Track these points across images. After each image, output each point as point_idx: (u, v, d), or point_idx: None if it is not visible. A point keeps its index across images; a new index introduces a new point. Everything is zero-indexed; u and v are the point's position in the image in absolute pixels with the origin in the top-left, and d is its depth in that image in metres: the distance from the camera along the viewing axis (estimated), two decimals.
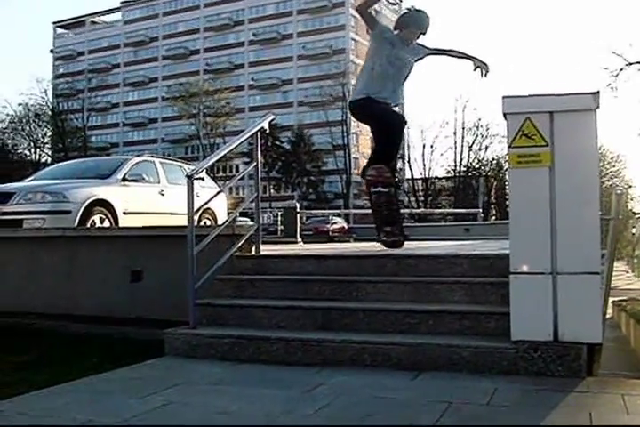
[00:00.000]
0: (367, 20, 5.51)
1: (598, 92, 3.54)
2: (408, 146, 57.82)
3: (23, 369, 4.01)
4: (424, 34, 5.58)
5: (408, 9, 5.75)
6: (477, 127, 57.20)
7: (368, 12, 5.50)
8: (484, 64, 5.61)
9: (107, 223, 8.18)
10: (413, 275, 4.57)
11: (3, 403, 3.16)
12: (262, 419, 2.82)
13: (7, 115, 66.21)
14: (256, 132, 5.26)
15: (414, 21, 5.55)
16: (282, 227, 18.78)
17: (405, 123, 5.82)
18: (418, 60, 5.70)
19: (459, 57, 5.77)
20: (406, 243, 5.81)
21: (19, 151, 66.97)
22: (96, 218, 8.05)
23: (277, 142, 62.58)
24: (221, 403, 3.03)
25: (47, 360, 4.30)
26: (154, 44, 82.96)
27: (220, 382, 3.53)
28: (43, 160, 64.98)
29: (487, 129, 56.63)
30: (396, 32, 5.58)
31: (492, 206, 58.32)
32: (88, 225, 7.82)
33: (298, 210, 15.02)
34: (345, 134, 61.38)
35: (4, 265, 6.20)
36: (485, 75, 5.59)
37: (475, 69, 5.61)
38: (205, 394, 3.25)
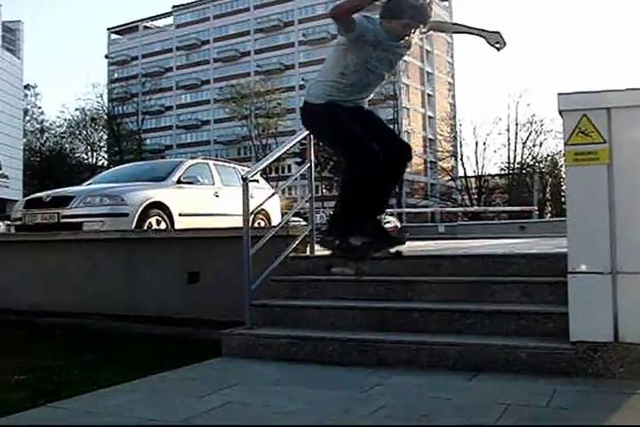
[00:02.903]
0: (345, 25, 3.76)
1: None
2: (460, 144, 57.31)
3: (86, 368, 4.11)
4: (423, 26, 3.84)
5: None
6: (531, 123, 56.22)
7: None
8: (496, 35, 4.04)
9: (163, 225, 8.32)
10: (469, 275, 4.54)
11: (69, 401, 3.26)
12: (320, 419, 2.84)
13: (65, 119, 68.03)
14: (309, 134, 5.28)
15: (406, 9, 3.74)
16: None
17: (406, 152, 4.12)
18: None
19: (460, 32, 4.36)
20: (461, 242, 5.74)
21: (76, 155, 68.69)
22: (153, 220, 8.20)
23: None
24: (279, 403, 3.06)
25: (108, 360, 4.40)
26: (205, 47, 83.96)
27: (278, 382, 3.56)
28: (99, 163, 66.47)
29: (541, 125, 55.64)
30: (379, 20, 3.87)
31: (548, 203, 57.33)
32: (145, 227, 7.97)
33: None
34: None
35: (66, 267, 6.37)
36: (502, 47, 4.05)
37: (492, 45, 4.04)
38: (263, 394, 3.29)
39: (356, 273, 3.52)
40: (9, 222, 10.46)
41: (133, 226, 7.82)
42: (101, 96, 69.17)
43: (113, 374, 3.85)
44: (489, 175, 59.24)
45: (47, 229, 7.46)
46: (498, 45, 4.06)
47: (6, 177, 40.54)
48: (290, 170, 60.59)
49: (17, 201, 11.02)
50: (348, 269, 3.53)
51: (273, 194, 7.42)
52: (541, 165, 57.71)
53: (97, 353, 4.64)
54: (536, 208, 21.97)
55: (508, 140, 57.18)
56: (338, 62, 3.91)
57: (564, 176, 45.36)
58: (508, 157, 57.58)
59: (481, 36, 4.11)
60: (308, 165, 5.42)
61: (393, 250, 3.97)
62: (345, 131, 3.83)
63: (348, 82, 3.89)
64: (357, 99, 4.00)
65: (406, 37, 3.86)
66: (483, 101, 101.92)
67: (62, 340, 5.22)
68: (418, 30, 3.82)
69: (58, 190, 9.11)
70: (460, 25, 4.43)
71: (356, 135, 3.79)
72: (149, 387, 3.60)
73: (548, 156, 57.49)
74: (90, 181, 9.97)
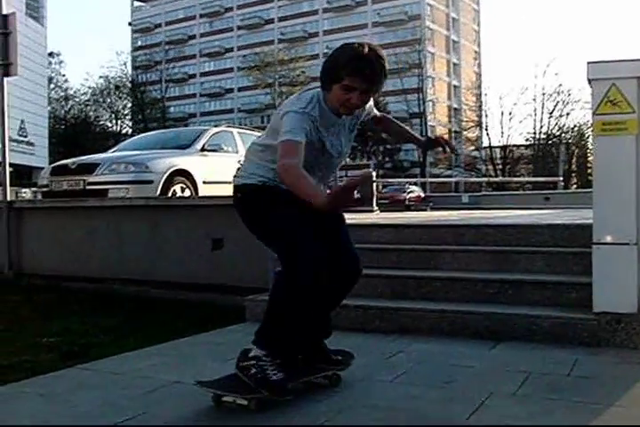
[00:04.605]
0: None
1: None
2: (486, 114, 56.69)
3: (112, 332, 4.19)
4: (374, 91, 2.69)
5: (341, 48, 2.72)
6: (558, 93, 55.28)
7: None
8: (427, 140, 3.25)
9: (187, 193, 8.37)
10: (492, 244, 4.54)
11: (97, 363, 3.34)
12: (344, 384, 2.89)
13: (89, 87, 68.04)
14: None
15: (348, 71, 2.60)
16: (358, 195, 18.75)
17: None
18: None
19: (404, 137, 3.35)
20: (485, 212, 5.70)
21: (101, 123, 68.80)
22: (177, 188, 8.26)
23: None
24: None
25: (134, 324, 4.48)
26: (228, 15, 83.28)
27: None
28: (123, 131, 66.61)
29: (569, 95, 54.70)
30: (322, 95, 2.75)
31: (573, 175, 56.71)
32: (169, 194, 8.03)
33: (374, 179, 14.98)
34: (421, 102, 60.53)
35: (92, 233, 6.45)
36: (450, 150, 3.18)
37: (428, 149, 3.30)
38: None
39: (249, 404, 2.54)
40: (35, 189, 10.59)
41: (158, 193, 7.88)
42: (125, 64, 69.10)
43: (139, 338, 3.93)
44: (514, 146, 58.57)
45: (73, 196, 7.55)
46: (428, 149, 3.26)
47: (32, 144, 40.82)
48: None
49: (43, 168, 11.13)
50: (240, 399, 2.56)
51: None
52: (568, 136, 56.92)
53: (123, 318, 4.73)
54: (561, 179, 21.75)
55: (535, 110, 56.46)
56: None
57: (590, 147, 44.81)
58: (534, 128, 56.88)
59: (417, 142, 3.26)
60: None
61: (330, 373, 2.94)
62: (290, 225, 2.71)
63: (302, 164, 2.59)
64: (320, 177, 2.89)
65: (355, 108, 2.72)
66: (509, 71, 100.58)
67: (89, 304, 5.31)
68: (365, 94, 2.65)
69: (83, 158, 9.18)
70: (402, 128, 3.30)
71: (306, 237, 2.68)
72: (175, 351, 3.67)
73: (574, 126, 56.70)
74: (114, 149, 10.03)
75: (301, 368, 2.85)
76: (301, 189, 2.43)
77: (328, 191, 2.44)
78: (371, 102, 2.92)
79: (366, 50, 2.60)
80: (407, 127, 3.31)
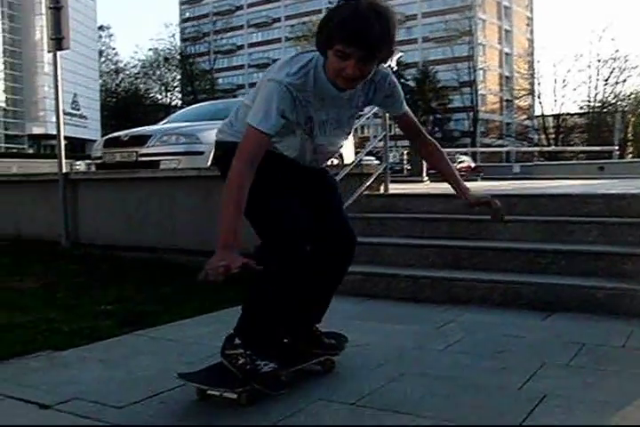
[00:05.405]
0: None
1: None
2: (538, 82, 55.49)
3: (167, 300, 4.28)
4: (377, 60, 2.17)
5: (339, 5, 2.18)
6: (614, 59, 53.78)
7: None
8: (483, 203, 2.66)
9: None
10: (545, 214, 4.49)
11: (152, 330, 3.43)
12: (396, 353, 2.91)
13: (139, 60, 68.98)
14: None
15: (341, 35, 2.10)
16: (408, 166, 18.62)
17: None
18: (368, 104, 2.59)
19: (450, 183, 2.85)
20: (537, 182, 5.62)
21: (151, 95, 69.63)
22: None
23: (402, 80, 61.50)
24: (356, 337, 3.09)
25: (189, 293, 4.55)
26: None
27: (353, 316, 3.64)
28: (173, 103, 67.27)
29: (626, 61, 53.22)
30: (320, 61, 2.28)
31: (629, 144, 55.32)
32: None
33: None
34: (471, 70, 59.50)
35: (145, 204, 6.55)
36: (500, 219, 2.71)
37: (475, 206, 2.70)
38: (338, 328, 3.35)
39: (239, 398, 2.28)
40: (89, 161, 10.79)
41: (209, 164, 7.95)
42: (174, 36, 69.63)
43: (194, 306, 4.00)
44: (567, 114, 57.33)
45: (126, 168, 7.66)
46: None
47: (85, 117, 41.53)
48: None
49: (95, 141, 11.32)
50: (229, 393, 2.30)
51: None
52: (624, 104, 55.43)
53: (176, 286, 4.80)
54: (617, 148, 21.23)
55: (589, 77, 55.12)
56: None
57: None
58: (589, 95, 55.59)
59: (464, 196, 2.72)
60: None
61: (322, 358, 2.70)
62: (273, 197, 2.38)
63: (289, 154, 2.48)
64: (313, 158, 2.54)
65: (353, 80, 2.20)
66: (563, 37, 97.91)
67: (142, 273, 5.41)
68: (363, 63, 2.13)
69: (135, 130, 9.29)
70: (448, 165, 2.89)
71: (287, 206, 2.40)
72: (229, 318, 3.66)
73: (631, 94, 55.16)
74: (165, 121, 10.11)
75: (293, 355, 2.61)
76: (224, 215, 2.21)
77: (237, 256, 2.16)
78: (400, 91, 2.54)
79: (365, 8, 2.07)
80: (457, 173, 2.81)
